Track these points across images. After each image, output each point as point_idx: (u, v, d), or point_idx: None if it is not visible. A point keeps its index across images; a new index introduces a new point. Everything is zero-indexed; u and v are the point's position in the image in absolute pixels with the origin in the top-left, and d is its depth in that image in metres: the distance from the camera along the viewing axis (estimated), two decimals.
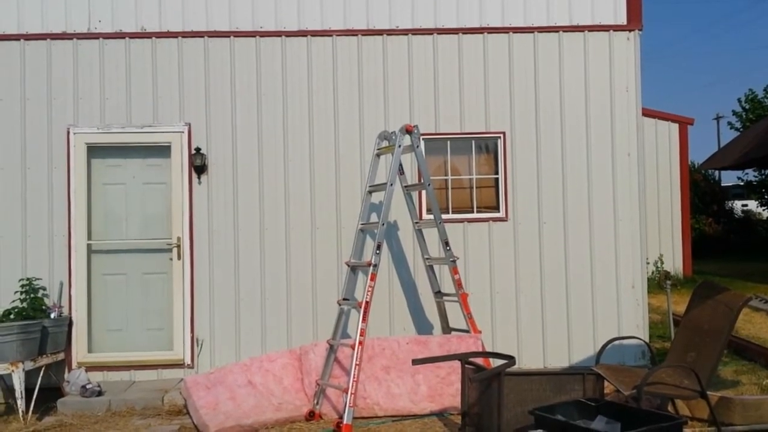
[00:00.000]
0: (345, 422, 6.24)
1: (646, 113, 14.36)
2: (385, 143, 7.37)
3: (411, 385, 6.98)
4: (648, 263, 15.80)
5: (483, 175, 8.35)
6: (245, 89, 8.10)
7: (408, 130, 7.08)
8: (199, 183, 8.05)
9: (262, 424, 6.49)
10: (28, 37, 7.99)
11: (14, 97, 7.95)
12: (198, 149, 8.00)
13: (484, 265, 8.18)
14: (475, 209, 8.32)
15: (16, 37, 7.97)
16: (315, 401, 6.85)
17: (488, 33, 8.26)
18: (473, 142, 8.33)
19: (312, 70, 8.14)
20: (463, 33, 8.25)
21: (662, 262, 16.55)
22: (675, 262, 16.79)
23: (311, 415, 6.70)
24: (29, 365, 7.05)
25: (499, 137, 8.25)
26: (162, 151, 8.07)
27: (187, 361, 7.88)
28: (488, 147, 8.35)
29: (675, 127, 17.15)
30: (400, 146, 7.03)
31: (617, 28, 8.31)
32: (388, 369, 7.02)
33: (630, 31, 8.31)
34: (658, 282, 14.64)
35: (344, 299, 6.95)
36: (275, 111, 8.10)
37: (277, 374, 7.20)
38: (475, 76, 8.24)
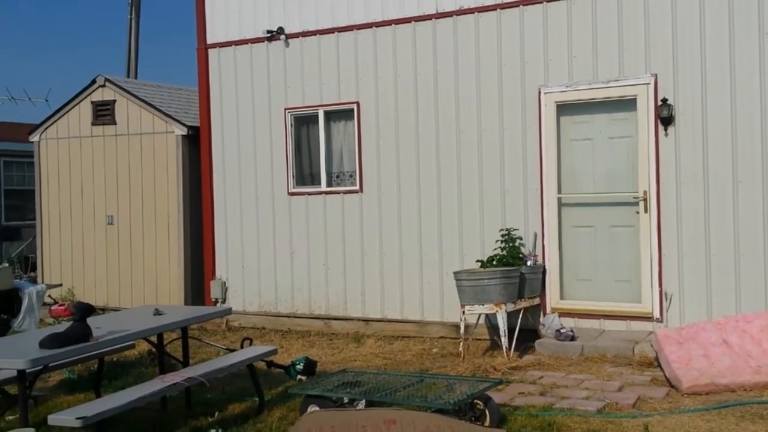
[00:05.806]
0: None
1: None
2: None
3: None
4: None
5: None
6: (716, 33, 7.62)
7: None
8: (666, 135, 7.88)
9: (739, 386, 6.25)
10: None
11: (492, 64, 8.71)
12: (664, 100, 7.82)
13: None
14: None
15: (493, 8, 8.69)
16: None
17: None
18: None
19: None
20: None
21: None
22: None
23: None
24: (510, 307, 7.82)
25: None
26: (627, 104, 8.09)
27: (656, 314, 7.87)
28: None
29: None
30: None
31: None
32: None
33: None
34: None
35: None
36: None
37: (755, 336, 6.80)
38: None
